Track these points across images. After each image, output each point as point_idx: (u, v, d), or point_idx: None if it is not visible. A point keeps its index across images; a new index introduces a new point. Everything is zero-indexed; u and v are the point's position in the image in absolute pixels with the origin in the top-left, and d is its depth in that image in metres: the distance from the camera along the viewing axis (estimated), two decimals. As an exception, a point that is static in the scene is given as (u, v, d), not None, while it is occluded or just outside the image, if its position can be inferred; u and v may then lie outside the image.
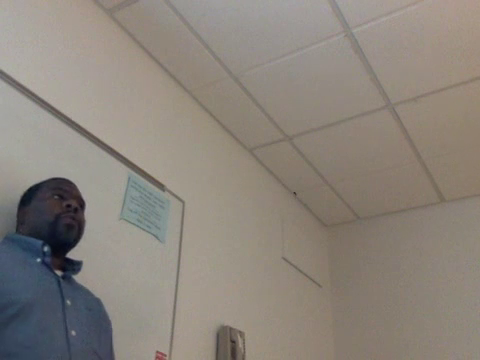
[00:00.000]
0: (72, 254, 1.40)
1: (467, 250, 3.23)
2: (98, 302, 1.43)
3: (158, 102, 2.38)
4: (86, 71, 1.99)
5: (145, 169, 2.11)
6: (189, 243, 2.27)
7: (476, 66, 2.37)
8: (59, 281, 1.26)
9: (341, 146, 2.96)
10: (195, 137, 2.59)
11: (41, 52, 1.81)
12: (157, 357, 1.87)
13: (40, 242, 1.27)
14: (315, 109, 2.69)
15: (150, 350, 1.85)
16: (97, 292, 1.47)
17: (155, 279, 1.99)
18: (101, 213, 1.80)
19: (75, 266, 1.38)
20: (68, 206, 1.36)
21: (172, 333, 1.98)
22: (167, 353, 1.92)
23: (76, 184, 1.47)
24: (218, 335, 2.30)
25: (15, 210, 1.42)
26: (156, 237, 2.05)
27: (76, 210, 1.37)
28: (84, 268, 1.41)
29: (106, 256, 1.77)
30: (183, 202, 2.29)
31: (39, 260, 1.26)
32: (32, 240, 1.28)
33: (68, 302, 1.23)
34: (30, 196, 1.39)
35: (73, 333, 1.18)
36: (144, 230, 2.00)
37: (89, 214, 1.51)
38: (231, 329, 2.32)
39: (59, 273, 1.30)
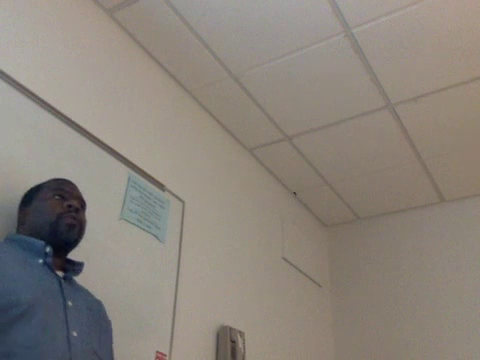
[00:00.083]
0: (72, 254, 1.40)
1: (467, 250, 3.23)
2: (99, 303, 1.43)
3: (158, 102, 2.38)
4: (86, 71, 1.99)
5: (145, 169, 2.11)
6: (189, 243, 2.27)
7: (476, 66, 2.37)
8: (60, 282, 1.26)
9: (341, 146, 2.96)
10: (195, 137, 2.59)
11: (41, 52, 1.81)
12: (157, 357, 1.87)
13: (42, 243, 1.27)
14: (315, 109, 2.69)
15: (150, 350, 1.85)
16: (97, 292, 1.47)
17: (155, 279, 1.99)
18: (101, 213, 1.80)
19: (76, 267, 1.38)
20: (69, 206, 1.36)
21: (172, 333, 1.98)
22: (167, 353, 1.92)
23: (76, 184, 1.47)
24: (218, 335, 2.30)
25: (15, 210, 1.42)
26: (156, 237, 2.05)
27: (77, 210, 1.37)
28: (84, 268, 1.41)
29: (106, 256, 1.77)
30: (183, 202, 2.29)
31: (41, 261, 1.26)
32: (33, 240, 1.28)
33: (69, 303, 1.23)
34: (31, 196, 1.39)
35: (74, 334, 1.18)
36: (144, 230, 2.00)
37: (89, 214, 1.51)
38: (231, 329, 2.32)
39: (60, 274, 1.30)
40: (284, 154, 3.05)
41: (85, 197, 1.47)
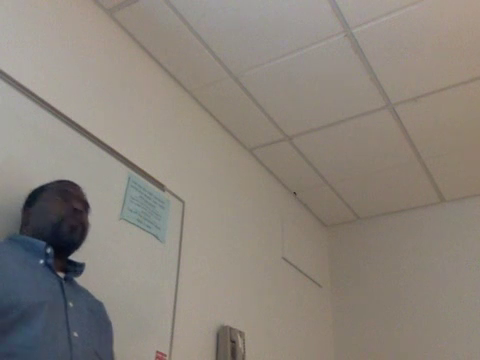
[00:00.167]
0: (73, 254, 1.40)
1: (467, 250, 3.23)
2: (99, 304, 1.43)
3: (158, 102, 2.38)
4: (86, 71, 1.99)
5: (145, 169, 2.11)
6: (189, 243, 2.27)
7: (476, 66, 2.37)
8: (61, 283, 1.26)
9: (341, 146, 2.96)
10: (195, 137, 2.59)
11: (41, 52, 1.81)
12: (157, 357, 1.87)
13: (43, 243, 1.27)
14: (315, 109, 2.69)
15: (150, 350, 1.85)
16: (97, 292, 1.47)
17: (155, 279, 1.99)
18: (101, 213, 1.79)
19: (77, 268, 1.38)
20: (74, 209, 1.36)
21: (172, 333, 1.98)
22: (167, 353, 1.92)
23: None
24: (218, 335, 2.30)
25: (15, 210, 1.42)
26: (156, 237, 2.05)
27: (81, 213, 1.37)
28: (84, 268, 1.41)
29: (106, 256, 1.78)
30: (183, 202, 2.29)
31: (42, 261, 1.25)
32: (35, 241, 1.28)
33: (70, 304, 1.23)
34: (35, 197, 1.39)
35: (75, 334, 1.19)
36: (144, 230, 2.00)
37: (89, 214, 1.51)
38: (231, 329, 2.32)
39: (61, 275, 1.30)
40: (284, 154, 3.05)
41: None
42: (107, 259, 1.78)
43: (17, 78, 1.63)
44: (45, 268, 1.26)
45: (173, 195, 2.24)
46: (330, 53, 2.33)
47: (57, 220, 1.32)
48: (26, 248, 1.27)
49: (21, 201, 1.45)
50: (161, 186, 2.18)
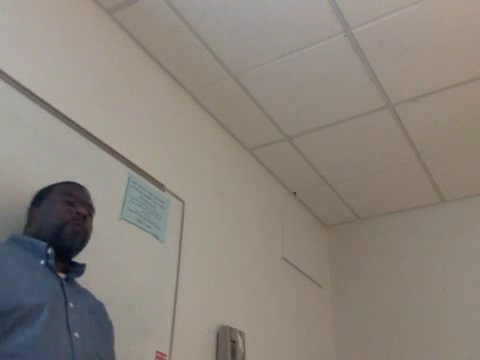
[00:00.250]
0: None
1: (467, 250, 3.23)
2: (100, 305, 1.43)
3: (158, 102, 2.38)
4: (86, 71, 1.99)
5: (145, 169, 2.11)
6: (189, 243, 2.27)
7: (476, 66, 2.37)
8: (62, 284, 1.26)
9: (341, 146, 2.96)
10: (195, 137, 2.59)
11: (41, 52, 1.81)
12: (157, 357, 1.87)
13: (44, 244, 1.27)
14: (315, 109, 2.69)
15: (150, 350, 1.85)
16: (97, 292, 1.47)
17: (155, 279, 1.99)
18: (101, 213, 1.79)
19: (78, 269, 1.38)
20: (77, 213, 1.35)
21: (172, 333, 1.98)
22: (167, 353, 1.92)
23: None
24: (218, 335, 2.30)
25: (15, 210, 1.42)
26: (156, 237, 2.05)
27: (84, 218, 1.37)
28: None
29: (106, 256, 1.77)
30: (183, 202, 2.29)
31: (42, 262, 1.25)
32: (36, 242, 1.28)
33: (71, 304, 1.23)
34: (41, 197, 1.39)
35: (76, 335, 1.19)
36: (144, 230, 2.00)
37: (89, 214, 1.51)
38: (231, 329, 2.32)
39: (62, 275, 1.30)
40: (284, 154, 3.05)
41: (85, 197, 1.47)
42: (107, 259, 1.78)
43: (17, 78, 1.63)
44: (46, 269, 1.26)
45: (173, 195, 2.24)
46: (330, 53, 2.33)
47: (60, 224, 1.32)
48: (27, 248, 1.27)
49: (21, 201, 1.46)
50: (161, 186, 2.18)
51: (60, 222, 1.32)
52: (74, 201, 1.38)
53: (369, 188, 3.35)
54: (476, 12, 2.12)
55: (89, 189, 1.49)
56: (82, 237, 1.36)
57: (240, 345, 2.31)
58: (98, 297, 1.45)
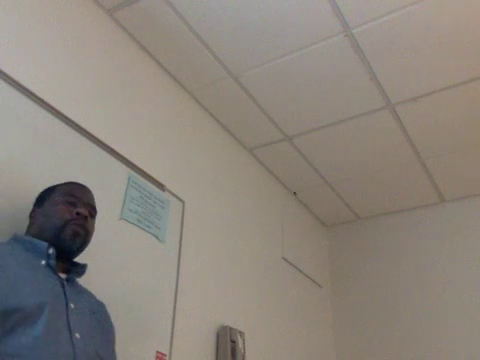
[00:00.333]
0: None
1: (467, 250, 3.23)
2: (101, 305, 1.43)
3: (158, 102, 2.37)
4: (86, 71, 1.99)
5: (145, 169, 2.11)
6: (189, 243, 2.27)
7: (476, 66, 2.37)
8: (63, 284, 1.26)
9: (341, 146, 2.96)
10: (195, 137, 2.59)
11: (41, 52, 1.81)
12: (157, 357, 1.87)
13: (45, 244, 1.27)
14: (315, 109, 2.69)
15: (150, 350, 1.85)
16: (97, 292, 1.47)
17: (155, 279, 1.99)
18: (101, 213, 1.78)
19: (79, 269, 1.38)
20: (77, 213, 1.35)
21: (172, 333, 1.98)
22: (167, 353, 1.92)
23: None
24: (218, 335, 2.30)
25: (15, 210, 1.42)
26: (156, 237, 2.05)
27: (85, 218, 1.37)
28: (84, 268, 1.41)
29: (106, 256, 1.77)
30: (183, 202, 2.29)
31: (43, 262, 1.25)
32: (37, 242, 1.28)
33: (72, 305, 1.23)
34: (43, 198, 1.39)
35: (77, 335, 1.19)
36: (144, 230, 2.00)
37: (89, 214, 1.51)
38: (231, 329, 2.32)
39: (63, 276, 1.30)
40: (284, 154, 3.05)
41: (85, 197, 1.47)
42: (107, 259, 1.78)
43: (17, 78, 1.63)
44: (47, 269, 1.26)
45: (173, 195, 2.24)
46: (330, 53, 2.33)
47: (60, 224, 1.32)
48: (28, 248, 1.27)
49: (21, 201, 1.46)
50: (161, 186, 2.18)
51: (60, 222, 1.32)
52: (76, 201, 1.38)
53: (369, 188, 3.35)
54: (476, 12, 2.12)
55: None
56: (83, 237, 1.36)
57: (240, 345, 2.31)
58: (98, 297, 1.45)
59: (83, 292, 1.38)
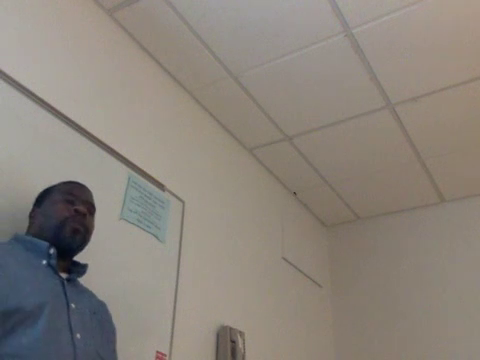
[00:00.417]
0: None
1: (467, 250, 3.23)
2: (102, 305, 1.43)
3: (158, 102, 2.37)
4: (86, 71, 1.99)
5: (145, 169, 2.11)
6: (189, 243, 2.27)
7: (476, 66, 2.37)
8: (64, 284, 1.26)
9: (341, 146, 2.96)
10: (195, 137, 2.59)
11: (41, 52, 1.81)
12: (157, 357, 1.87)
13: (46, 244, 1.27)
14: (315, 109, 2.69)
15: (150, 350, 1.85)
16: (97, 292, 1.47)
17: (155, 279, 1.99)
18: (101, 213, 1.78)
19: (80, 269, 1.38)
20: (76, 211, 1.35)
21: (172, 333, 1.98)
22: (167, 353, 1.92)
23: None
24: (218, 335, 2.30)
25: (15, 210, 1.42)
26: (156, 237, 2.05)
27: (84, 215, 1.37)
28: (84, 268, 1.41)
29: (106, 256, 1.77)
30: (183, 202, 2.29)
31: (44, 262, 1.25)
32: (38, 242, 1.28)
33: (72, 305, 1.23)
34: (42, 198, 1.40)
35: (78, 336, 1.19)
36: (144, 230, 2.00)
37: (89, 214, 1.51)
38: (231, 329, 2.32)
39: (64, 275, 1.30)
40: (284, 154, 3.05)
41: (85, 197, 1.47)
42: (107, 259, 1.78)
43: (17, 78, 1.63)
44: (48, 269, 1.26)
45: (173, 195, 2.24)
46: (330, 53, 2.33)
47: (58, 222, 1.32)
48: (28, 248, 1.27)
49: (21, 201, 1.46)
50: (161, 186, 2.18)
51: (59, 221, 1.32)
52: (74, 200, 1.38)
53: (369, 188, 3.35)
54: (476, 12, 2.12)
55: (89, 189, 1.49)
56: (82, 235, 1.36)
57: (240, 345, 2.31)
58: (98, 297, 1.45)
59: (84, 292, 1.38)
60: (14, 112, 1.59)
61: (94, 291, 1.45)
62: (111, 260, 1.80)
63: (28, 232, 1.36)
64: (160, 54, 2.39)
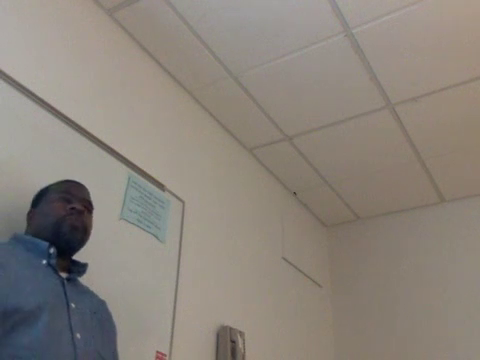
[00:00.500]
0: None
1: (467, 250, 3.23)
2: (103, 304, 1.43)
3: (158, 102, 2.38)
4: (86, 71, 1.99)
5: (145, 169, 2.11)
6: (189, 243, 2.27)
7: (476, 66, 2.37)
8: (64, 283, 1.26)
9: (341, 146, 2.96)
10: (195, 137, 2.59)
11: (41, 52, 1.81)
12: (157, 357, 1.87)
13: (46, 243, 1.27)
14: (315, 109, 2.69)
15: (150, 350, 1.85)
16: (97, 292, 1.47)
17: (155, 279, 1.99)
18: (101, 213, 1.79)
19: (80, 268, 1.38)
20: (72, 208, 1.35)
21: (172, 333, 1.98)
22: (167, 353, 1.92)
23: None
24: (218, 335, 2.30)
25: (15, 210, 1.42)
26: (156, 237, 2.05)
27: (81, 213, 1.37)
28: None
29: (106, 256, 1.77)
30: (183, 202, 2.29)
31: (44, 262, 1.25)
32: (38, 241, 1.28)
33: (72, 305, 1.23)
34: (39, 198, 1.40)
35: (78, 336, 1.19)
36: (144, 230, 2.00)
37: (89, 214, 1.51)
38: (231, 329, 2.32)
39: (64, 275, 1.30)
40: (284, 154, 3.05)
41: (85, 197, 1.47)
42: (107, 259, 1.78)
43: (17, 78, 1.63)
44: (48, 268, 1.25)
45: (173, 195, 2.24)
46: (330, 53, 2.33)
47: (55, 221, 1.32)
48: (28, 248, 1.27)
49: (21, 201, 1.46)
50: (161, 186, 2.18)
51: (56, 219, 1.32)
52: (70, 198, 1.38)
53: (369, 188, 3.35)
54: (476, 12, 2.12)
55: (89, 189, 1.49)
56: (81, 231, 1.36)
57: (240, 345, 2.31)
58: (99, 296, 1.45)
59: (84, 292, 1.38)
60: (14, 112, 1.59)
61: (94, 291, 1.45)
62: (111, 260, 1.80)
63: (26, 232, 1.36)
64: (160, 54, 2.39)
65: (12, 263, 1.19)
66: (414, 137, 2.85)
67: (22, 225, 1.39)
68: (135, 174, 2.05)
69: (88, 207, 1.43)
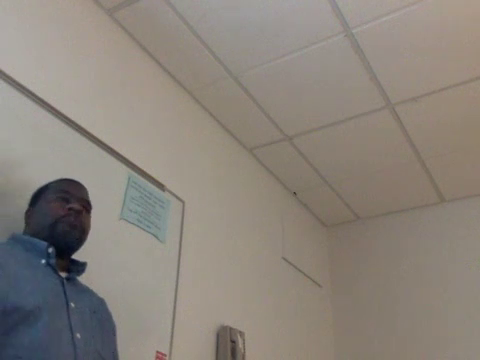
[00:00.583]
0: (73, 254, 1.40)
1: (467, 250, 3.23)
2: (102, 303, 1.43)
3: (158, 102, 2.38)
4: (86, 71, 1.99)
5: (145, 169, 2.11)
6: (189, 243, 2.27)
7: (476, 66, 2.37)
8: (63, 283, 1.26)
9: (341, 146, 2.96)
10: (195, 137, 2.59)
11: (41, 52, 1.81)
12: (157, 357, 1.87)
13: (45, 243, 1.27)
14: (315, 109, 2.69)
15: (150, 350, 1.85)
16: (97, 292, 1.47)
17: (155, 279, 1.99)
18: (101, 213, 1.79)
19: (79, 267, 1.37)
20: (70, 208, 1.35)
21: (172, 333, 1.98)
22: (167, 353, 1.92)
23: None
24: (218, 335, 2.30)
25: (14, 210, 1.42)
26: (156, 237, 2.05)
27: (79, 212, 1.36)
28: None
29: (106, 256, 1.77)
30: (183, 202, 2.29)
31: (43, 261, 1.25)
32: (37, 241, 1.28)
33: (72, 304, 1.23)
34: (37, 197, 1.39)
35: (78, 336, 1.19)
36: (144, 230, 2.00)
37: (89, 214, 1.51)
38: (231, 329, 2.32)
39: (63, 274, 1.30)
40: (284, 154, 3.05)
41: (85, 197, 1.47)
42: (107, 259, 1.78)
43: (17, 78, 1.63)
44: (47, 268, 1.25)
45: (173, 195, 2.24)
46: (330, 53, 2.33)
47: (53, 220, 1.31)
48: (27, 248, 1.27)
49: (21, 201, 1.46)
50: (161, 186, 2.18)
51: (54, 219, 1.32)
52: (68, 197, 1.37)
53: (369, 188, 3.35)
54: (476, 12, 2.12)
55: (89, 189, 1.49)
56: (79, 231, 1.35)
57: (240, 345, 2.31)
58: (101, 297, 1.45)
59: (84, 291, 1.38)
60: (14, 112, 1.59)
61: (94, 291, 1.45)
62: (111, 260, 1.80)
63: (25, 232, 1.36)
64: (160, 54, 2.39)
65: (11, 263, 1.18)
66: (414, 137, 2.85)
67: (22, 225, 1.39)
68: (135, 174, 2.05)
69: (86, 207, 1.42)
